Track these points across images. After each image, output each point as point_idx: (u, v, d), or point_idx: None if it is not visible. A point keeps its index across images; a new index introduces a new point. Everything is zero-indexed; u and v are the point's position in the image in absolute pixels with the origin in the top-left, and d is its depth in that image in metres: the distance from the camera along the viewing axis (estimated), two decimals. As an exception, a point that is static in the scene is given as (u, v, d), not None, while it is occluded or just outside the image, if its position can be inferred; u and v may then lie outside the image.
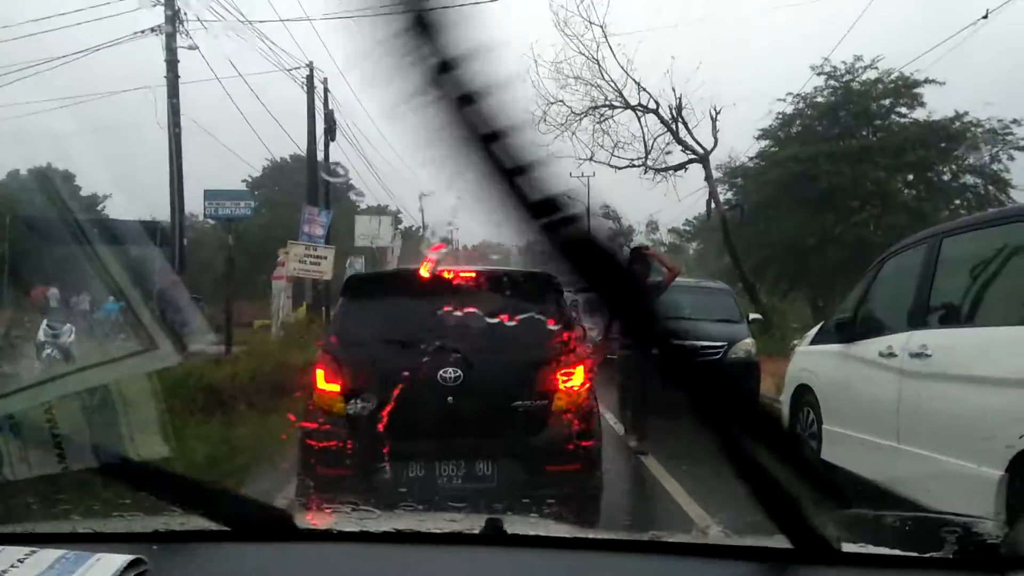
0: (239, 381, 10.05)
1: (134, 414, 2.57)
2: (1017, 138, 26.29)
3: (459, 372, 4.30)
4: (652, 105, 20.58)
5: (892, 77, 27.28)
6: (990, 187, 27.29)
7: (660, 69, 30.28)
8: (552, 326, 4.48)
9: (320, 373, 4.46)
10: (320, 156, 18.11)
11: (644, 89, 20.33)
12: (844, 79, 28.01)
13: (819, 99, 28.84)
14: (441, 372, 4.29)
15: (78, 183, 37.39)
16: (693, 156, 21.02)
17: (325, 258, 15.36)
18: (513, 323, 4.33)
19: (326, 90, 17.97)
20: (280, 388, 9.49)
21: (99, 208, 33.88)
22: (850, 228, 25.98)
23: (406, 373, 4.11)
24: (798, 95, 28.68)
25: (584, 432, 4.44)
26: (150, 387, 2.97)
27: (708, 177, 21.31)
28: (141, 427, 2.67)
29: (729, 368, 10.20)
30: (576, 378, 4.51)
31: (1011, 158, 26.77)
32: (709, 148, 20.90)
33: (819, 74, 28.11)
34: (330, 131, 17.72)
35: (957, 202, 27.48)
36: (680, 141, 20.83)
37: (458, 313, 4.22)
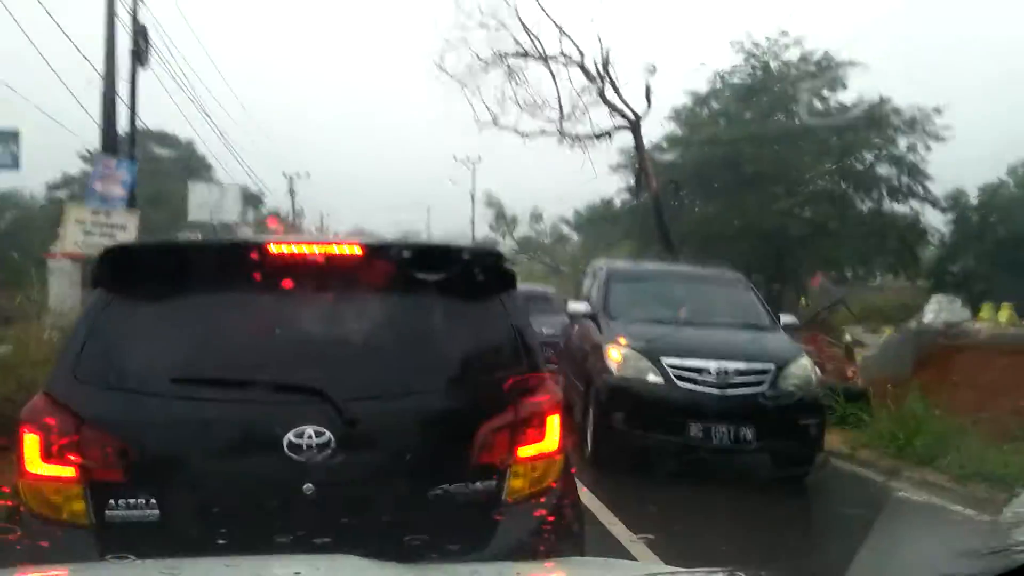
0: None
1: None
2: (938, 127, 24.89)
3: (327, 434, 2.47)
4: (575, 56, 16.70)
5: (816, 57, 25.28)
6: (904, 178, 25.91)
7: (582, 17, 26.45)
8: (499, 344, 2.84)
9: (33, 442, 2.52)
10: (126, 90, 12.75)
11: (566, 35, 16.47)
12: (764, 58, 25.77)
13: (736, 79, 26.61)
14: (292, 435, 2.45)
15: None
16: (622, 122, 17.35)
17: (124, 227, 10.52)
18: (428, 340, 2.78)
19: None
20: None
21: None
22: (772, 217, 23.67)
23: (222, 438, 2.53)
24: (715, 72, 26.24)
25: (564, 535, 2.76)
26: None
27: (639, 147, 17.88)
28: None
29: (784, 408, 6.34)
30: (548, 438, 2.75)
31: (928, 148, 25.42)
32: (641, 113, 17.29)
33: (739, 51, 25.79)
34: (139, 54, 12.40)
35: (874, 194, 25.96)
36: (607, 102, 17.16)
37: (325, 323, 2.70)
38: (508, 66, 17.35)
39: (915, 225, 25.80)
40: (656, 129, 26.53)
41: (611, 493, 5.72)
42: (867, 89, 25.01)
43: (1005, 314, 18.88)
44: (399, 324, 2.81)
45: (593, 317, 7.77)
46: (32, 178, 37.12)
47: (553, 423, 2.80)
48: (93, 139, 13.07)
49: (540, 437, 2.76)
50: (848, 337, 14.34)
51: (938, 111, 24.58)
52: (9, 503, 2.70)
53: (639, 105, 17.41)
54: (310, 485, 2.50)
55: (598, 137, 17.88)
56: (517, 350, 2.88)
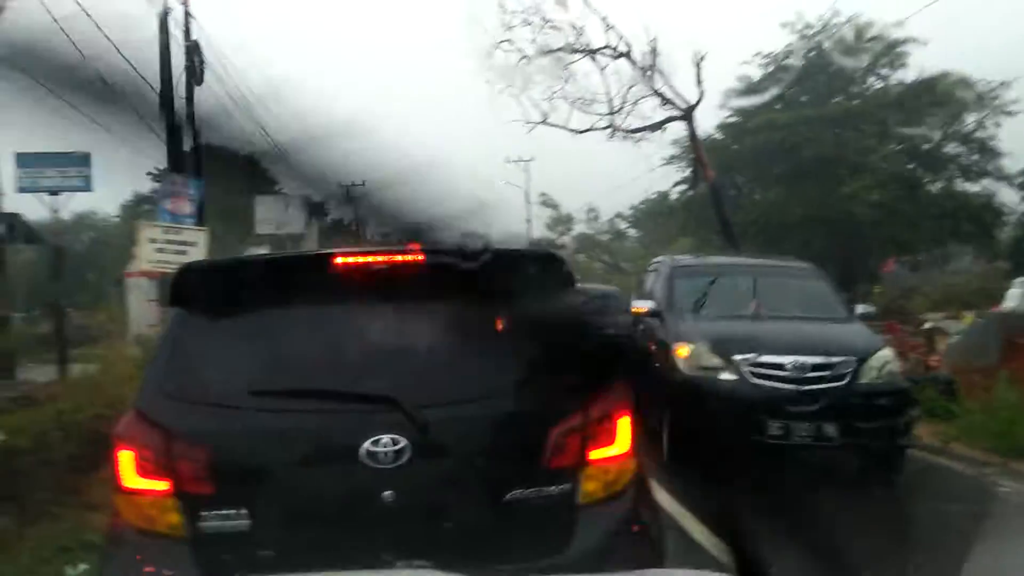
0: (47, 436, 6.12)
1: None
2: (1006, 102, 23.68)
3: (402, 442, 2.49)
4: (622, 48, 16.51)
5: (871, 35, 24.34)
6: (975, 156, 24.75)
7: (628, 6, 26.14)
8: (564, 347, 2.76)
9: (128, 458, 2.60)
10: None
11: (612, 27, 16.28)
12: (817, 37, 24.95)
13: (790, 60, 25.84)
14: (368, 444, 2.49)
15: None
16: (675, 112, 17.06)
17: (195, 244, 10.81)
18: (494, 344, 2.79)
19: (187, 13, 12.96)
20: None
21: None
22: (838, 202, 22.90)
23: (302, 448, 2.58)
24: (767, 56, 25.53)
25: (640, 541, 2.73)
26: None
27: (693, 137, 17.47)
28: None
29: (868, 403, 6.09)
30: (619, 440, 2.71)
31: (997, 125, 24.24)
32: (693, 101, 16.96)
33: (791, 32, 25.09)
34: (193, 71, 12.78)
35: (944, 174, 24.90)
36: (658, 93, 16.89)
37: (394, 330, 2.79)
38: (556, 62, 17.27)
39: (989, 205, 24.69)
40: (710, 117, 25.90)
41: (692, 497, 5.57)
42: (929, 66, 24.10)
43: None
44: (464, 328, 2.81)
45: (658, 315, 7.61)
46: (107, 200, 38.68)
47: (624, 425, 2.77)
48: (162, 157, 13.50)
49: (611, 439, 2.74)
50: (928, 325, 13.79)
51: (1005, 84, 23.49)
52: (112, 524, 2.78)
53: (691, 94, 17.10)
54: (389, 492, 2.52)
55: (651, 129, 17.62)
56: (582, 351, 2.87)
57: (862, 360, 6.29)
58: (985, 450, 6.73)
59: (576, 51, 17.28)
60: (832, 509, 5.41)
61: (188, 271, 3.11)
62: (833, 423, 6.05)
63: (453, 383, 2.69)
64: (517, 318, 2.83)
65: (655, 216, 37.92)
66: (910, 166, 24.49)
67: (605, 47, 16.95)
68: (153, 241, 10.83)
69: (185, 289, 2.90)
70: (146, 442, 2.64)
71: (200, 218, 12.20)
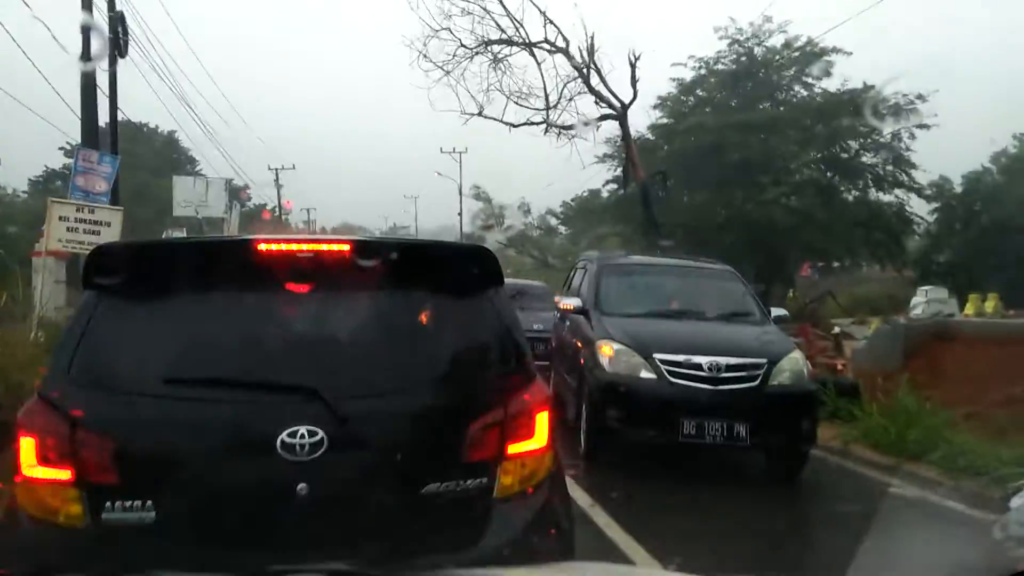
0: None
1: None
2: (922, 115, 24.86)
3: (319, 434, 2.45)
4: (560, 43, 16.59)
5: (800, 43, 25.25)
6: (889, 167, 25.95)
7: (565, 2, 26.13)
8: (488, 341, 2.86)
9: (29, 445, 2.51)
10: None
11: (551, 21, 16.34)
12: (748, 43, 25.74)
13: (720, 65, 26.57)
14: (284, 435, 2.43)
15: None
16: (608, 111, 17.26)
17: (108, 224, 10.32)
18: (418, 338, 2.77)
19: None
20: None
21: None
22: (759, 207, 23.66)
23: (216, 438, 2.50)
24: (700, 59, 26.17)
25: (553, 532, 2.78)
26: None
27: (626, 136, 17.77)
28: None
29: (777, 404, 6.33)
30: (537, 434, 2.75)
31: (912, 136, 25.46)
32: (627, 101, 17.20)
33: (723, 37, 25.79)
34: (117, 43, 12.16)
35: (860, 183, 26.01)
36: (593, 91, 17.05)
37: (316, 321, 2.71)
38: (493, 54, 17.22)
39: (900, 214, 25.94)
40: (642, 118, 26.34)
41: (606, 492, 5.69)
42: (852, 76, 25.13)
43: (991, 304, 19.01)
44: (389, 321, 2.78)
45: (584, 312, 7.71)
46: (14, 174, 36.69)
47: (542, 420, 2.79)
48: (76, 132, 12.80)
49: (530, 434, 2.75)
50: (837, 329, 14.37)
51: (922, 98, 24.63)
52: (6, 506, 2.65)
53: (625, 93, 17.34)
54: (304, 485, 2.46)
55: (584, 126, 17.78)
56: (506, 347, 2.88)
57: (773, 362, 6.50)
58: (883, 452, 7.08)
59: (513, 43, 17.27)
60: (734, 506, 5.65)
61: (103, 251, 3.00)
62: (744, 423, 6.24)
63: (374, 375, 2.65)
64: (443, 311, 2.80)
65: (585, 214, 38.33)
66: (828, 174, 25.48)
67: (543, 41, 17.01)
68: (64, 219, 10.32)
69: (99, 270, 2.78)
70: (49, 429, 2.53)
71: (115, 197, 11.66)
